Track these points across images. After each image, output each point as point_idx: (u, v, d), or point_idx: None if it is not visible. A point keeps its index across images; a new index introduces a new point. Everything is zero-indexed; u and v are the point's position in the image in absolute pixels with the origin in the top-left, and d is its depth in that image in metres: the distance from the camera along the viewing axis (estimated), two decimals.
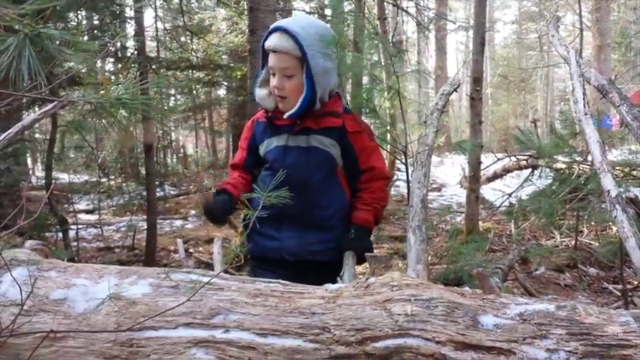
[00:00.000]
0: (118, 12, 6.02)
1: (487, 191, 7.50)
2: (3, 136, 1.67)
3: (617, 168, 4.10)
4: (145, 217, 6.07)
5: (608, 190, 1.59)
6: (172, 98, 12.94)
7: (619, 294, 3.62)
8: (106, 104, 1.39)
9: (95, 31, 5.98)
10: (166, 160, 12.80)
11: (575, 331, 1.11)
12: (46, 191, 4.54)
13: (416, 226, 1.82)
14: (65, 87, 4.75)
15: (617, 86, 2.27)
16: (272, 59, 1.81)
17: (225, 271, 1.43)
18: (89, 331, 1.28)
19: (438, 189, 9.79)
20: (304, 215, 1.83)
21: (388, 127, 2.59)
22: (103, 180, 8.16)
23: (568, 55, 2.34)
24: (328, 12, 9.48)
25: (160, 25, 9.37)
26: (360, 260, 1.78)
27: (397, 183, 7.44)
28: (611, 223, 4.68)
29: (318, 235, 1.85)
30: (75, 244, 5.48)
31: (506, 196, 4.95)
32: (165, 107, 11.04)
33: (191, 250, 5.73)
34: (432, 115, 2.35)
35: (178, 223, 7.70)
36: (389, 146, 2.52)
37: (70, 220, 5.73)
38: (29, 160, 10.48)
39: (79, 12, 6.28)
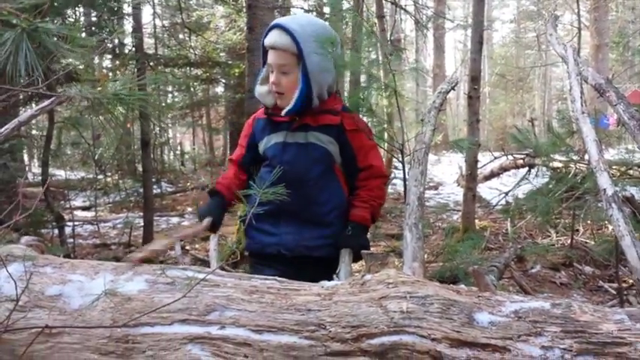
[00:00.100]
0: (116, 9, 6.00)
1: (484, 190, 7.49)
2: (0, 131, 1.66)
3: (614, 167, 4.09)
4: (141, 214, 6.05)
5: (605, 189, 1.60)
6: (170, 95, 12.95)
7: (614, 292, 3.63)
8: (104, 100, 1.39)
9: (93, 28, 5.96)
10: (163, 157, 12.79)
11: (570, 328, 1.11)
12: (43, 187, 4.52)
13: (412, 224, 1.82)
14: (63, 83, 4.74)
15: (614, 85, 2.28)
16: (270, 56, 1.84)
17: (222, 268, 1.43)
18: (85, 326, 1.28)
19: (435, 187, 9.81)
20: (302, 211, 1.84)
21: (385, 126, 2.58)
22: (100, 177, 8.14)
23: (566, 54, 2.34)
24: (327, 10, 9.47)
25: (158, 22, 9.38)
26: (357, 258, 1.79)
27: (394, 181, 7.44)
28: (607, 222, 4.69)
29: (316, 231, 1.86)
30: (71, 240, 5.46)
31: (503, 195, 4.94)
32: (163, 104, 11.03)
33: (187, 247, 5.72)
34: (430, 113, 2.36)
35: (175, 220, 7.69)
36: (386, 144, 2.51)
37: (66, 217, 5.70)
38: (26, 157, 10.45)
39: (77, 8, 6.25)
